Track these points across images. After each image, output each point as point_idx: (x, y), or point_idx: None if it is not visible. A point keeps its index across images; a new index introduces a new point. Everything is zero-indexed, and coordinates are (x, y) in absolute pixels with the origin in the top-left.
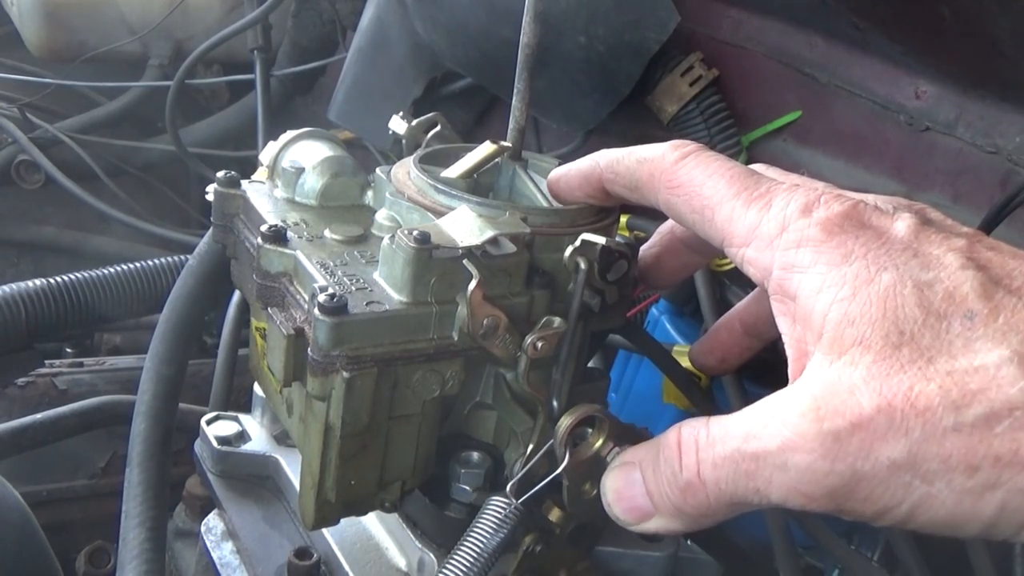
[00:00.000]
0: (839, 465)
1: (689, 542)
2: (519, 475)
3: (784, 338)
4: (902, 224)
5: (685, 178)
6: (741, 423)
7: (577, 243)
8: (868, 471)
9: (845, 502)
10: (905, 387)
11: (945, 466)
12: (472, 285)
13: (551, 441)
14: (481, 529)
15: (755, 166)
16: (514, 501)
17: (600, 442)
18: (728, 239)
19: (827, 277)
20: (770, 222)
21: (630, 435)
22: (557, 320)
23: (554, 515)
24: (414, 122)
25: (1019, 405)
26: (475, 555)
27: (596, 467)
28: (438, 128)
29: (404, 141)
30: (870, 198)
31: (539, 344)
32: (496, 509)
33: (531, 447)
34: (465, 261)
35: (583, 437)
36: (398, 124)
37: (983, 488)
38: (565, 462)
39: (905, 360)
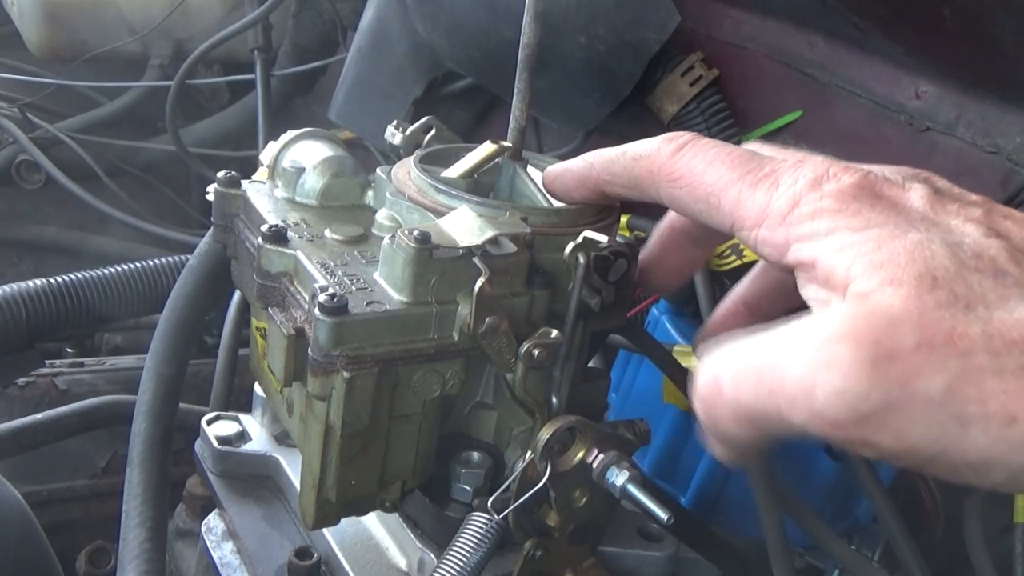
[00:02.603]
0: (874, 392)
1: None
2: (500, 490)
3: (811, 304)
4: (916, 195)
5: (685, 169)
6: (773, 340)
7: (579, 240)
8: (904, 402)
9: (873, 433)
10: (947, 325)
11: (983, 410)
12: (481, 281)
13: (532, 455)
14: (462, 545)
15: (750, 144)
16: (495, 516)
17: (583, 451)
18: (738, 223)
19: (850, 239)
20: (780, 199)
21: (615, 441)
22: (554, 332)
23: (551, 519)
24: (408, 130)
25: None
26: (456, 571)
27: (583, 475)
28: (433, 132)
29: (401, 151)
30: (876, 169)
31: (536, 352)
32: (477, 525)
33: (517, 463)
34: (475, 259)
35: (568, 446)
36: (393, 135)
37: (1020, 439)
38: (546, 475)
39: (942, 301)
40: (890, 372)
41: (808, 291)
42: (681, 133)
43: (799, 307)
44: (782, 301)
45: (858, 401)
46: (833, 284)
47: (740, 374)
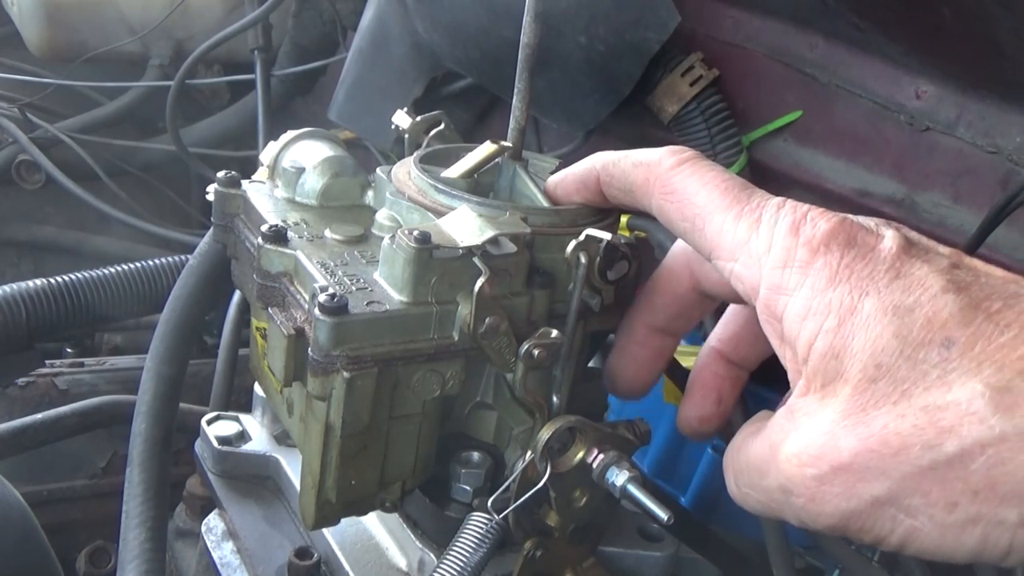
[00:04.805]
0: (827, 507)
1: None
2: (500, 490)
3: (776, 352)
4: (886, 243)
5: (679, 185)
6: (756, 458)
7: (581, 237)
8: (854, 508)
9: (844, 532)
10: (879, 426)
11: (926, 501)
12: (481, 281)
13: (532, 455)
14: (462, 545)
15: None
16: (495, 516)
17: (583, 451)
18: (716, 251)
19: (812, 303)
20: (759, 239)
21: (615, 441)
22: (555, 332)
23: (551, 519)
24: (418, 118)
25: (990, 443)
26: (457, 571)
27: (583, 475)
28: (441, 127)
29: (407, 137)
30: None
31: (536, 352)
32: (477, 525)
33: (517, 463)
34: (476, 259)
35: (568, 446)
36: (402, 119)
37: (964, 522)
38: (546, 475)
39: (880, 394)
40: (835, 485)
41: (773, 342)
42: (685, 149)
43: (772, 352)
44: (757, 346)
45: (819, 516)
46: (795, 349)
47: (746, 490)
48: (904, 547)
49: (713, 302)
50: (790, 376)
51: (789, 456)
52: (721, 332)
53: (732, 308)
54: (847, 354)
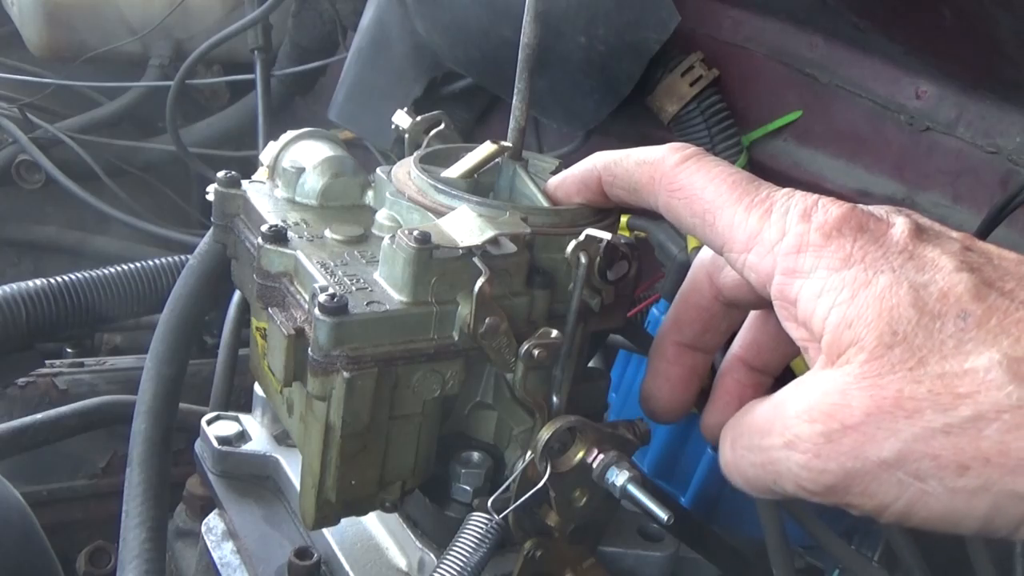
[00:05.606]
0: (831, 464)
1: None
2: (500, 490)
3: (794, 340)
4: (897, 228)
5: (686, 182)
6: (760, 419)
7: (581, 237)
8: (859, 469)
9: (844, 497)
10: (894, 389)
11: (936, 464)
12: (481, 281)
13: (532, 455)
14: (462, 545)
15: None
16: (495, 516)
17: (583, 451)
18: (729, 245)
19: (827, 282)
20: (771, 228)
21: (615, 441)
22: (555, 332)
23: (551, 519)
24: (418, 118)
25: (1007, 408)
26: (456, 571)
27: (583, 475)
28: (441, 127)
29: (407, 136)
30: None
31: (536, 352)
32: (477, 525)
33: (517, 463)
34: (476, 259)
35: (568, 446)
36: (402, 118)
37: (975, 488)
38: (546, 475)
39: (896, 360)
40: (843, 443)
41: (788, 326)
42: (688, 145)
43: (794, 354)
44: (779, 351)
45: (820, 474)
46: (810, 328)
47: (742, 452)
48: (908, 515)
49: (739, 312)
50: (807, 360)
51: (799, 412)
52: (742, 339)
53: (753, 314)
54: (861, 323)
